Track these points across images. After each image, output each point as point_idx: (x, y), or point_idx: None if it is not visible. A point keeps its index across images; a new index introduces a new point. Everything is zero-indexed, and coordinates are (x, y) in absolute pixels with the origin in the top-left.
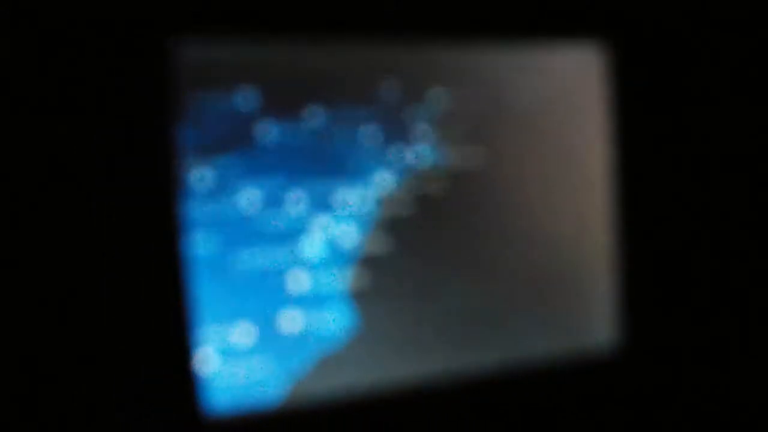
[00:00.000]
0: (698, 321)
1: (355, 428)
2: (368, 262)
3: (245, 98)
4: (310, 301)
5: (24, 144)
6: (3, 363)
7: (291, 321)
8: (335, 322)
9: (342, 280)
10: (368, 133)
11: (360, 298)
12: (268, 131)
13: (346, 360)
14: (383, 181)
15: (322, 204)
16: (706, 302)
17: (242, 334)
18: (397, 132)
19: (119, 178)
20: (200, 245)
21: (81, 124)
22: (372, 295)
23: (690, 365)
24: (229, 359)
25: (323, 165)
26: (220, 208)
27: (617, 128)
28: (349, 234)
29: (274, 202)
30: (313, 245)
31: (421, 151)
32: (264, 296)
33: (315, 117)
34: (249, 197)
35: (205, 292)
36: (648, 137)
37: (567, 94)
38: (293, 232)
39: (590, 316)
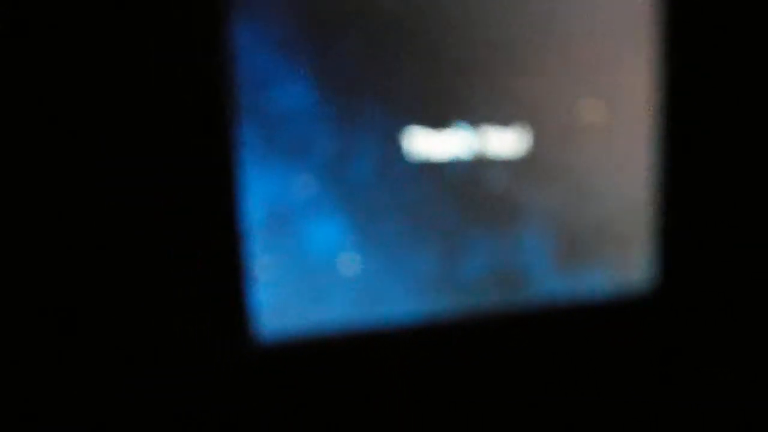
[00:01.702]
0: (733, 261)
1: (393, 356)
2: (406, 199)
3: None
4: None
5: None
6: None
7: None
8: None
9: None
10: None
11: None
12: None
13: (388, 293)
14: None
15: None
16: (742, 246)
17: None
18: None
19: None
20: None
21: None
22: (411, 237)
23: (722, 304)
24: (278, 287)
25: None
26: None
27: (664, 67)
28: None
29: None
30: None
31: None
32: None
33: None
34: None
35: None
36: (695, 79)
37: (615, 27)
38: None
39: (628, 256)
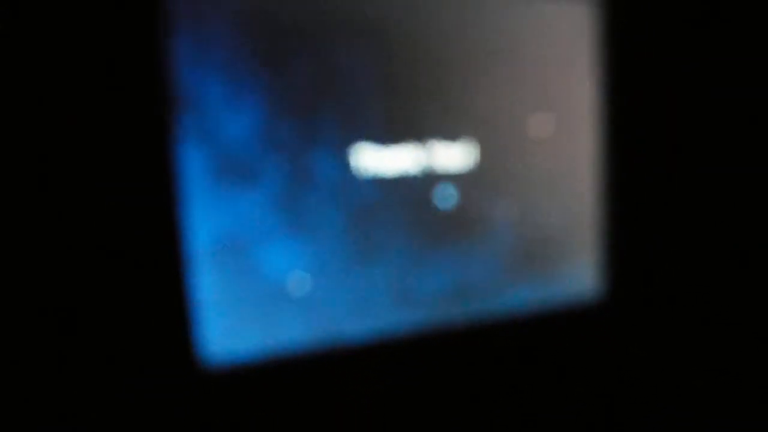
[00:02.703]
0: (679, 270)
1: (348, 375)
2: (358, 218)
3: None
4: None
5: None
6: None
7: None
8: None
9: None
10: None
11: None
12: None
13: (341, 311)
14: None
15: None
16: (688, 255)
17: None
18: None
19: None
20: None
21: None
22: (362, 255)
23: (670, 312)
24: (225, 311)
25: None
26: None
27: (607, 81)
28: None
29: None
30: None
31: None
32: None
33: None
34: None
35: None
36: (638, 92)
37: (559, 45)
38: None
39: (574, 267)
